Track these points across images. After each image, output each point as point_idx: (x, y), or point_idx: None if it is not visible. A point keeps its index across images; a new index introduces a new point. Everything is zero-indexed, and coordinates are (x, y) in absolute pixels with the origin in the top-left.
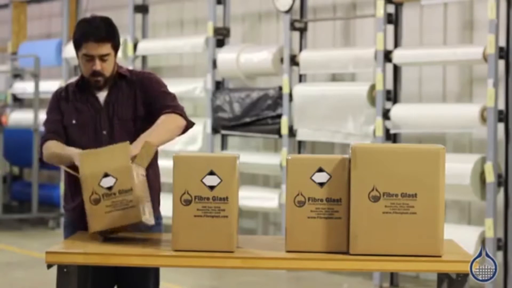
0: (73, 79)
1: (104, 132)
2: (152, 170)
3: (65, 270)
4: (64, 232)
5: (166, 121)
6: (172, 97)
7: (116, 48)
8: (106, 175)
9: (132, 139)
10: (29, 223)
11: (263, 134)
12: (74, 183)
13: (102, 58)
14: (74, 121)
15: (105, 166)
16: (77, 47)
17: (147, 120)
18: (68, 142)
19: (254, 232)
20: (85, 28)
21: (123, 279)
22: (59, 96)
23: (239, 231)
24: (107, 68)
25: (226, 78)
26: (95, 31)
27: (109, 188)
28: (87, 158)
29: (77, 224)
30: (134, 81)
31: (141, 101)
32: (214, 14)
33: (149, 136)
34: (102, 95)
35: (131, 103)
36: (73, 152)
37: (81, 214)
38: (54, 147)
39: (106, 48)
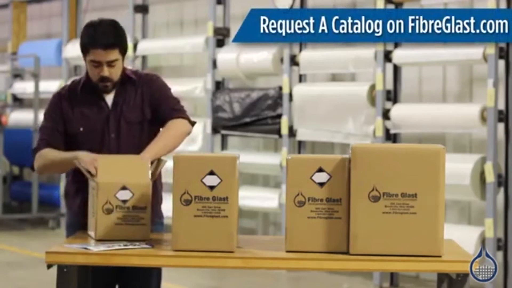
0: (73, 78)
1: (113, 135)
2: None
3: (65, 270)
4: (66, 231)
5: (174, 128)
6: (177, 101)
7: (123, 52)
8: (123, 187)
9: (138, 142)
10: (29, 223)
11: (263, 134)
12: (78, 181)
13: (110, 64)
14: (81, 129)
15: (124, 179)
16: (84, 52)
17: (153, 123)
18: (74, 148)
19: (254, 232)
20: (92, 33)
21: (125, 279)
22: (61, 99)
23: (239, 231)
24: (115, 73)
25: (226, 78)
26: (102, 38)
27: (124, 201)
28: (106, 165)
29: (81, 223)
30: (140, 84)
31: (147, 104)
32: (214, 14)
33: (159, 145)
34: (109, 97)
35: (138, 106)
36: (75, 154)
37: (85, 214)
38: (51, 154)
39: (114, 54)
